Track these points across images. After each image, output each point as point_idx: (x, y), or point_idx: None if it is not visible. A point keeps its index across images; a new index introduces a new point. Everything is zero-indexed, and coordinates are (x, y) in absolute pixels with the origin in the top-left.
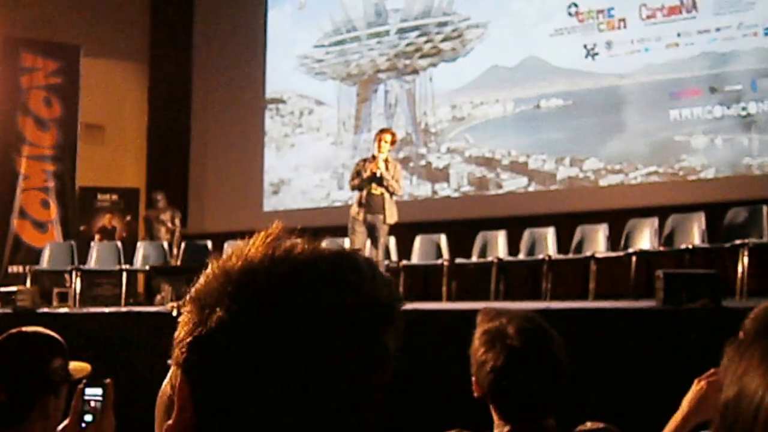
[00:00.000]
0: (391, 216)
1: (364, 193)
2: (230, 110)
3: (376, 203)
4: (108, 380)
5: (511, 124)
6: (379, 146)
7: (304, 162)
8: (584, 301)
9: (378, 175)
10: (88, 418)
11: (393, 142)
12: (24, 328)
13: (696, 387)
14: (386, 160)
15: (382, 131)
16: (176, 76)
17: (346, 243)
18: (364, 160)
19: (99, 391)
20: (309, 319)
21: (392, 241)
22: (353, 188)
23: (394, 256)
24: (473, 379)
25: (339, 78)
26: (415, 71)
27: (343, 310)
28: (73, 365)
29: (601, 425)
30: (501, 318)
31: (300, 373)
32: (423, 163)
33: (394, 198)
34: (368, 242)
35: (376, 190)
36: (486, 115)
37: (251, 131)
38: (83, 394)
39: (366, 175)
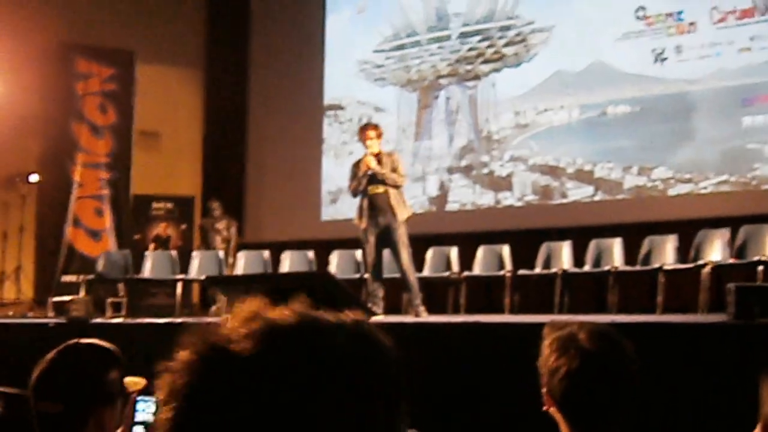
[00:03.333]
0: (402, 212)
1: (365, 198)
2: (288, 117)
3: (380, 203)
4: None
5: (576, 131)
6: (365, 143)
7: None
8: (652, 314)
9: (370, 173)
10: (140, 430)
11: (379, 135)
12: (81, 340)
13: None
14: (378, 154)
15: (363, 127)
16: (233, 83)
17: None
18: (357, 163)
19: (151, 402)
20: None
21: (454, 252)
22: (353, 193)
23: (455, 267)
24: (543, 390)
25: (399, 84)
26: (478, 77)
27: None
28: (129, 379)
29: None
30: (570, 326)
31: None
32: (485, 171)
33: (401, 190)
34: (386, 250)
35: (377, 188)
36: (550, 122)
37: (309, 138)
38: (135, 404)
39: (360, 174)
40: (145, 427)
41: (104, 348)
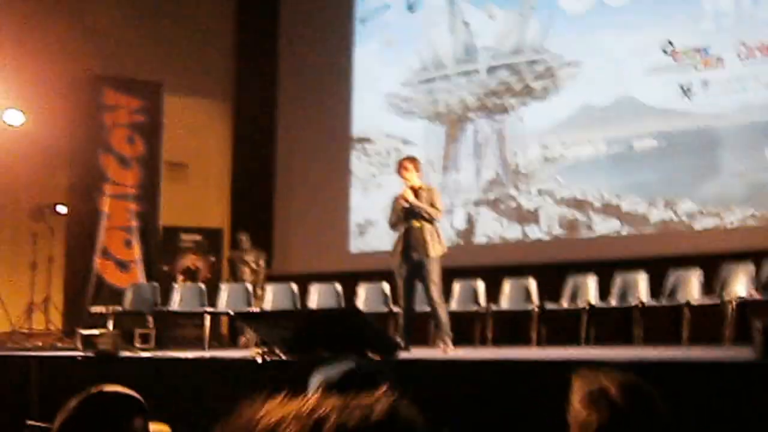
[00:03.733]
0: (435, 248)
1: (402, 233)
2: (316, 149)
3: (416, 238)
4: None
5: (603, 165)
6: (403, 176)
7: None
8: (677, 346)
9: (408, 206)
10: None
11: (417, 168)
12: (105, 388)
13: None
14: (417, 188)
15: (401, 161)
16: (261, 114)
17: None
18: (398, 198)
19: None
20: None
21: (480, 285)
22: (392, 227)
23: (482, 300)
24: None
25: (427, 117)
26: (505, 110)
27: None
28: (153, 427)
29: None
30: (600, 378)
31: None
32: (513, 204)
33: (437, 226)
34: (420, 285)
35: (416, 223)
36: (577, 156)
37: (337, 171)
38: None
39: (399, 207)
40: None
41: (129, 396)
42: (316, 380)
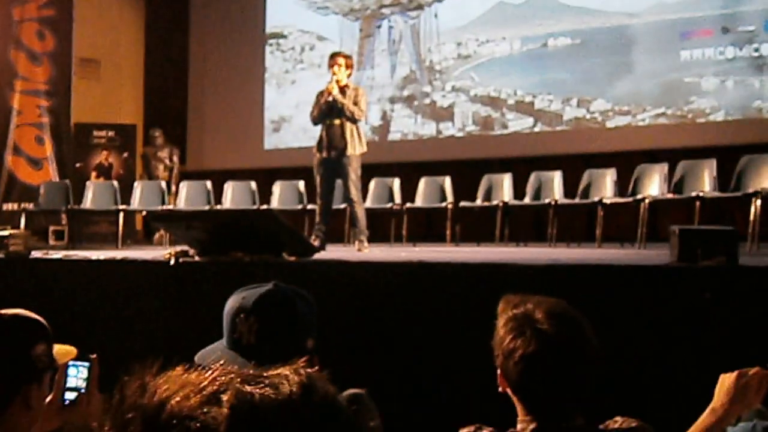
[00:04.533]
0: (354, 146)
1: (323, 130)
2: (229, 45)
3: (336, 135)
4: (93, 356)
5: (517, 63)
6: (333, 71)
7: (306, 99)
8: (591, 244)
9: (331, 99)
10: (71, 395)
11: (348, 66)
12: (3, 311)
13: (732, 380)
14: (345, 86)
15: (334, 55)
16: (173, 10)
17: None
18: (322, 91)
19: (84, 366)
20: None
21: (396, 183)
22: (313, 121)
23: (397, 198)
24: (498, 372)
25: (342, 13)
26: (420, 7)
27: None
28: (58, 349)
29: (633, 423)
30: (527, 304)
31: None
32: (427, 101)
33: (359, 125)
34: (339, 181)
35: (336, 120)
36: (492, 53)
37: (251, 67)
38: (66, 369)
39: (322, 101)
40: (78, 392)
41: (30, 319)
42: (230, 304)
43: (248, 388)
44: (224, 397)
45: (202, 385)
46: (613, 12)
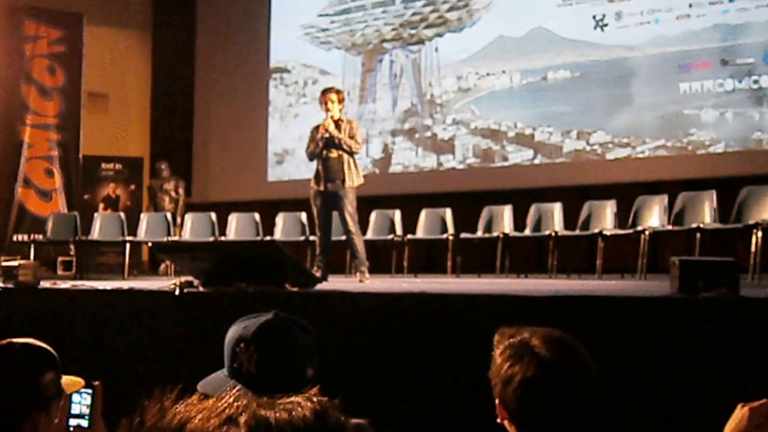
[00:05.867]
0: (352, 178)
1: (319, 163)
2: (234, 79)
3: (333, 168)
4: (97, 383)
5: (517, 96)
6: (326, 107)
7: (308, 132)
8: (591, 276)
9: (328, 135)
10: (75, 422)
11: (341, 100)
12: (14, 340)
13: (740, 412)
14: (339, 120)
15: (325, 91)
16: (180, 45)
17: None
18: (317, 127)
19: (88, 393)
20: None
21: (397, 214)
22: (310, 156)
23: (399, 230)
24: (497, 402)
25: (344, 48)
26: (421, 41)
27: None
28: (66, 380)
29: None
30: (523, 333)
31: None
32: (428, 134)
33: (356, 158)
34: (335, 213)
35: (333, 153)
36: (492, 87)
37: (255, 101)
38: (71, 395)
39: (318, 137)
40: (83, 419)
41: (39, 348)
42: (231, 333)
43: (264, 412)
44: (241, 419)
45: (219, 408)
46: (612, 45)
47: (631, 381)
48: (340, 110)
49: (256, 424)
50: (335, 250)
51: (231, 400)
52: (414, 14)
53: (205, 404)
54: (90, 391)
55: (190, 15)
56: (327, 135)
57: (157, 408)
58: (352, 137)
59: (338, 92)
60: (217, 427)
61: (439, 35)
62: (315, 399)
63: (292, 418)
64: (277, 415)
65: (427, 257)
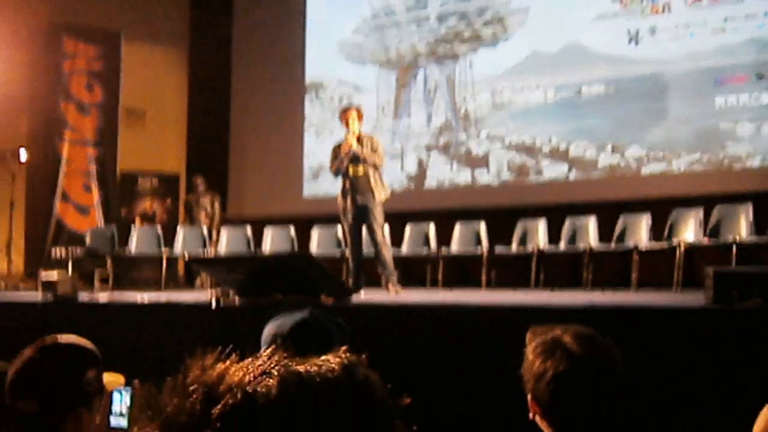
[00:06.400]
0: (380, 193)
1: (347, 179)
2: (270, 95)
3: (361, 183)
4: (136, 381)
5: (551, 111)
6: (347, 124)
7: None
8: (626, 290)
9: (351, 153)
10: (116, 421)
11: (360, 117)
12: (59, 338)
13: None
14: (360, 136)
15: (345, 110)
16: (216, 61)
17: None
18: (339, 145)
19: (127, 393)
20: None
21: (432, 228)
22: (334, 173)
23: (433, 244)
24: (529, 397)
25: (379, 63)
26: (455, 57)
27: None
28: (107, 377)
29: None
30: (554, 330)
31: None
32: (463, 149)
33: (380, 171)
34: (365, 228)
35: (358, 170)
36: (526, 102)
37: (291, 116)
38: (111, 394)
39: (342, 154)
40: (121, 417)
41: (82, 347)
42: (268, 330)
43: (296, 366)
44: (275, 371)
45: (256, 364)
46: (647, 60)
47: (665, 391)
48: (360, 126)
49: (287, 375)
50: (367, 265)
51: (266, 357)
52: (448, 30)
53: (243, 363)
54: (129, 389)
55: (226, 31)
56: (352, 152)
57: (199, 365)
58: (374, 151)
59: (357, 109)
60: (252, 378)
61: (474, 51)
62: (344, 355)
63: (321, 371)
64: (308, 368)
65: (462, 271)
